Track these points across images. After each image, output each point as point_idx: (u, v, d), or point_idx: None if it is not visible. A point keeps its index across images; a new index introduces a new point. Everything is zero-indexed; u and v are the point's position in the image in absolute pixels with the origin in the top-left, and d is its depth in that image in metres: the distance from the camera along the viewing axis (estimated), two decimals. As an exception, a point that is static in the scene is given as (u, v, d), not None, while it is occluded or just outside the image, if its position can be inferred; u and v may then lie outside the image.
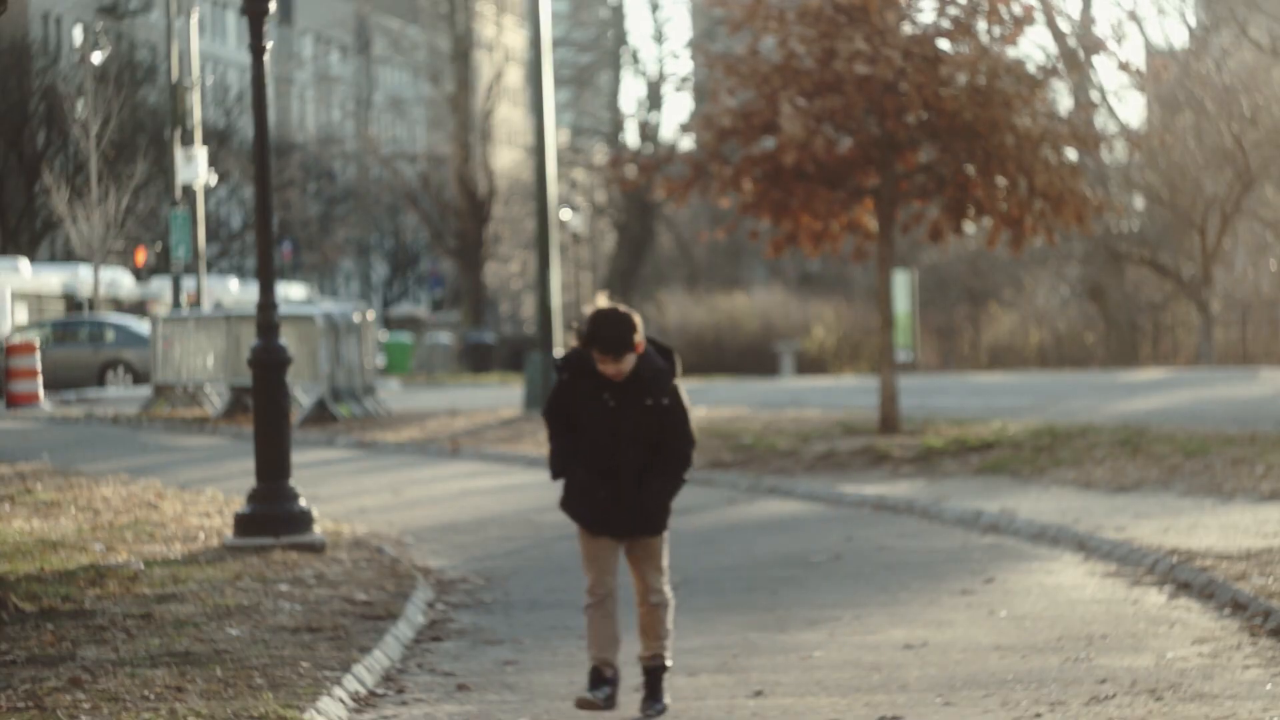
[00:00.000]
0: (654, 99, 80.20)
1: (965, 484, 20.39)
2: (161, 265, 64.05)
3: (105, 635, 11.10)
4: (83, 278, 55.67)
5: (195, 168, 46.14)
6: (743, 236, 31.55)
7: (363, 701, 9.98)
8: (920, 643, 11.41)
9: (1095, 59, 31.19)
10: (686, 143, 31.72)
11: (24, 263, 56.40)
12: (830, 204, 25.03)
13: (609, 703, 9.30)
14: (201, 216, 47.62)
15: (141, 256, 60.67)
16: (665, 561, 9.42)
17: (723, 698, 9.97)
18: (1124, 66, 25.66)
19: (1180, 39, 71.91)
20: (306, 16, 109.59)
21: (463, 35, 77.52)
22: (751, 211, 25.55)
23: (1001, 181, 24.64)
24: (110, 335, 50.04)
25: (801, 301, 67.27)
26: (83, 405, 40.73)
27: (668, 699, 9.47)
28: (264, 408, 15.86)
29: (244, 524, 15.51)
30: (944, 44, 24.74)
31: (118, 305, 57.88)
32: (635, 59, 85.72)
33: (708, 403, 33.19)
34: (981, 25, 24.70)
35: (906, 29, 24.74)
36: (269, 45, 16.00)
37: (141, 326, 49.52)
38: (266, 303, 16.00)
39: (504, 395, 41.72)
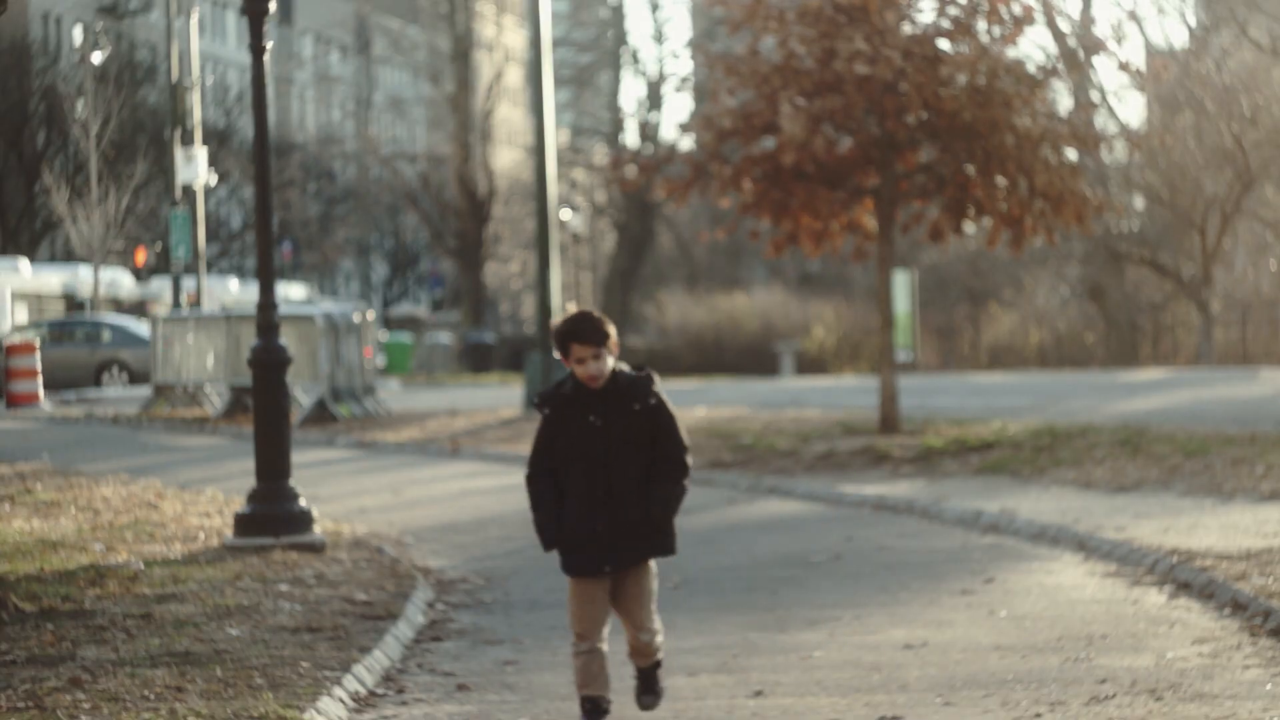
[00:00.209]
0: (654, 99, 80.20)
1: (965, 484, 20.38)
2: (161, 265, 64.08)
3: (105, 635, 11.10)
4: (83, 278, 55.68)
5: (195, 168, 46.15)
6: (743, 236, 31.54)
7: (363, 701, 9.97)
8: (920, 643, 11.40)
9: (1095, 59, 31.17)
10: (686, 143, 31.65)
11: (24, 263, 56.41)
12: (830, 204, 25.04)
13: None
14: (201, 216, 47.63)
15: (141, 256, 60.65)
16: (654, 605, 9.10)
17: (723, 698, 9.96)
18: (1124, 66, 25.65)
19: (1180, 39, 72.06)
20: (306, 16, 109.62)
21: (463, 35, 77.53)
22: (751, 211, 25.56)
23: (1001, 181, 24.64)
24: (107, 335, 50.00)
25: (801, 301, 67.29)
26: (83, 405, 40.73)
27: (663, 685, 9.35)
28: (264, 408, 15.86)
29: (244, 524, 15.51)
30: (944, 44, 24.75)
31: (118, 305, 57.87)
32: (635, 59, 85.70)
33: (708, 403, 33.18)
34: (981, 25, 24.70)
35: (906, 29, 24.74)
36: (269, 45, 16.01)
37: (138, 326, 49.54)
38: (266, 303, 16.01)
39: (504, 395, 41.74)
